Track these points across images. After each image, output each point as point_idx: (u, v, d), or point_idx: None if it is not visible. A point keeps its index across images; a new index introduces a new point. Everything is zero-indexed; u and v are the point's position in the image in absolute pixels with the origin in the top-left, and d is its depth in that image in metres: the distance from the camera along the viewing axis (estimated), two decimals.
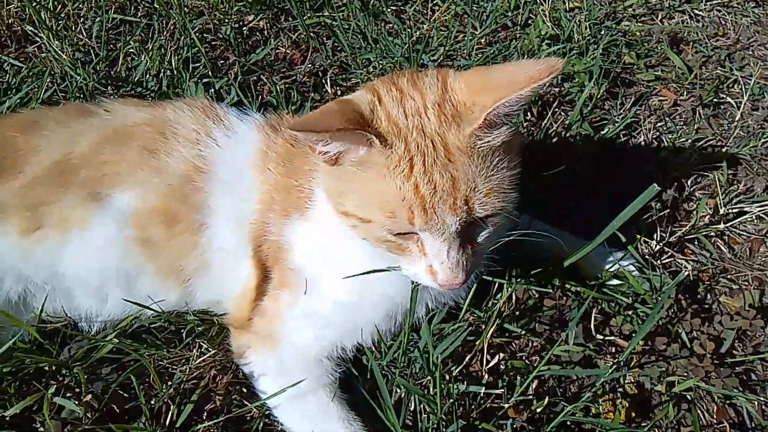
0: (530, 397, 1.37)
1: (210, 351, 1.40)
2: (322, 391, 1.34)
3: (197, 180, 1.40)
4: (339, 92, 2.08)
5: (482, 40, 2.25)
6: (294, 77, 2.14)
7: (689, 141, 2.00)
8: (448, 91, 1.15)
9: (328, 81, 2.10)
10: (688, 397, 1.44)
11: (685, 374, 1.44)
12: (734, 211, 1.83)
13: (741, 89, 2.18)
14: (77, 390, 1.30)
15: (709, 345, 1.47)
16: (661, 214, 1.77)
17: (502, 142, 1.13)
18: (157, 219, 1.38)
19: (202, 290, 1.44)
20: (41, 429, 1.26)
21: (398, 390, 1.38)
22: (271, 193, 1.41)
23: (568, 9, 2.40)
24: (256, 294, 1.42)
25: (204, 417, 1.35)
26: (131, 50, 2.11)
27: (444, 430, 1.23)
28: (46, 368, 1.32)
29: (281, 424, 1.34)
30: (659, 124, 2.08)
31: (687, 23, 2.47)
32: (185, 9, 2.23)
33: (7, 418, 1.24)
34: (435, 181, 1.09)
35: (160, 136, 1.43)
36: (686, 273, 1.59)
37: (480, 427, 1.29)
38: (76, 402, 1.26)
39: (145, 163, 1.40)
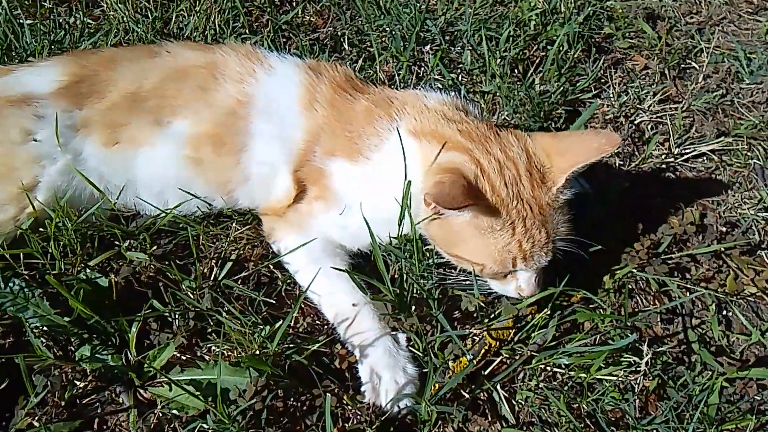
0: None
1: (244, 229, 1.77)
2: (336, 260, 1.69)
3: (241, 110, 1.73)
4: (355, 52, 2.44)
5: (480, 11, 2.61)
6: (317, 37, 2.52)
7: (652, 95, 2.33)
8: (531, 156, 1.55)
9: (346, 41, 2.47)
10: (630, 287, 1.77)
11: (625, 264, 1.77)
12: (687, 150, 2.16)
13: (706, 57, 2.51)
14: (143, 250, 1.68)
15: (645, 242, 1.80)
16: (618, 150, 2.11)
17: (566, 199, 1.57)
18: (207, 142, 1.73)
19: (243, 197, 1.80)
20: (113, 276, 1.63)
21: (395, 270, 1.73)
22: (318, 130, 1.73)
23: None
24: (294, 200, 1.76)
25: (239, 281, 1.71)
26: (182, 12, 2.50)
27: (424, 283, 1.58)
28: (119, 234, 1.69)
29: (300, 288, 1.70)
30: (630, 83, 2.41)
31: (664, 1, 2.79)
32: None
33: (90, 267, 1.62)
34: (534, 237, 1.50)
35: (210, 75, 1.77)
36: (626, 184, 1.90)
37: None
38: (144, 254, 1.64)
39: (199, 97, 1.74)
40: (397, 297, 1.57)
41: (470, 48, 2.41)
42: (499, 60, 2.34)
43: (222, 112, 1.74)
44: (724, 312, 1.78)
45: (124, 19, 2.43)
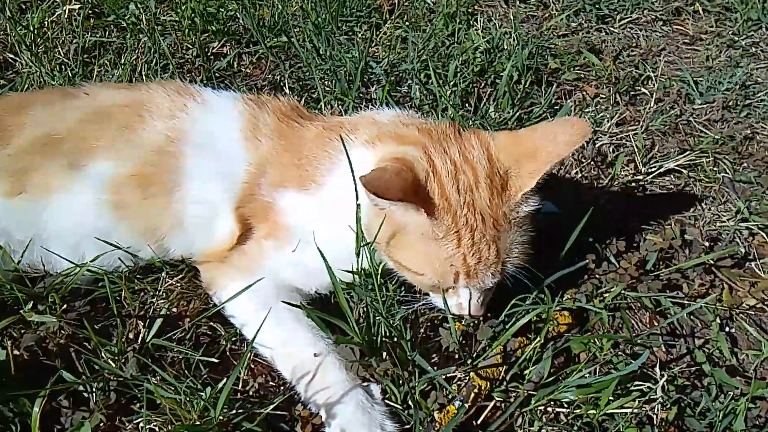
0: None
1: (178, 277, 1.50)
2: (291, 308, 1.43)
3: (171, 148, 1.53)
4: (297, 95, 2.29)
5: (423, 53, 2.53)
6: (256, 84, 2.36)
7: (609, 118, 2.26)
8: (494, 162, 1.36)
9: (287, 85, 2.32)
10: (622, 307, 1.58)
11: (614, 286, 1.59)
12: (654, 168, 2.06)
13: (654, 83, 2.48)
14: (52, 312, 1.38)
15: (633, 259, 1.63)
16: (585, 174, 1.98)
17: (527, 212, 1.37)
18: (132, 183, 1.50)
19: (177, 244, 1.55)
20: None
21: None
22: (263, 161, 1.54)
23: (498, 28, 2.73)
24: (237, 242, 1.54)
25: (174, 342, 1.43)
26: (105, 63, 2.31)
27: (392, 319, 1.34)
28: (21, 298, 1.39)
29: (249, 342, 1.42)
30: (585, 109, 2.34)
31: (604, 38, 2.80)
32: (156, 27, 2.47)
33: None
34: (481, 252, 1.31)
35: (135, 114, 1.57)
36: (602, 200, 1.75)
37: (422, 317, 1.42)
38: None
39: (122, 137, 1.54)
40: (365, 339, 1.32)
41: (418, 84, 2.29)
42: (449, 93, 2.23)
43: (149, 150, 1.53)
44: (726, 329, 1.60)
45: (39, 75, 2.21)
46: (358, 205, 1.33)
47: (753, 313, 1.64)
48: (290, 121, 1.61)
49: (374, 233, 1.33)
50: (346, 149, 1.35)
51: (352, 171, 1.33)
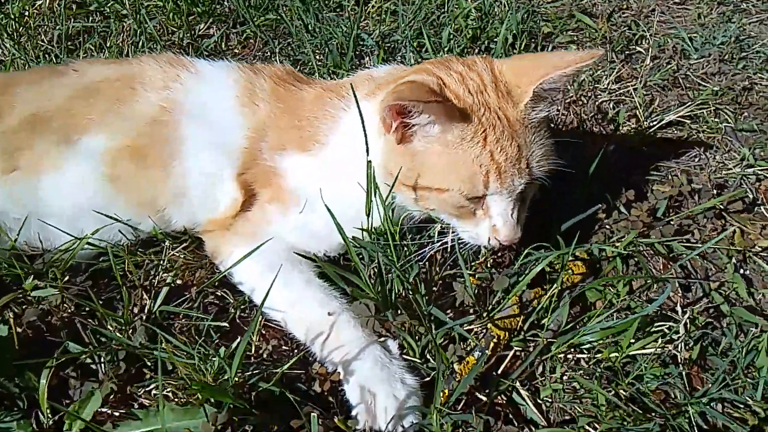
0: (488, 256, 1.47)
1: (180, 247, 1.46)
2: (300, 266, 1.40)
3: (167, 118, 1.49)
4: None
5: (413, 23, 2.49)
6: (246, 59, 2.32)
7: (607, 75, 2.23)
8: (497, 74, 1.34)
9: (278, 60, 2.28)
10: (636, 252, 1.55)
11: (626, 234, 1.56)
12: (655, 122, 2.03)
13: (648, 41, 2.46)
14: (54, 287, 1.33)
15: (644, 207, 1.60)
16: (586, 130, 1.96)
17: (544, 116, 1.34)
18: (127, 156, 1.46)
19: (179, 215, 1.51)
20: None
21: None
22: (262, 126, 1.51)
23: None
24: (241, 209, 1.49)
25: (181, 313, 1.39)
26: (90, 48, 2.26)
27: (406, 276, 1.30)
28: (22, 275, 1.35)
29: (259, 306, 1.38)
30: (584, 69, 2.31)
31: (594, 2, 2.78)
32: (142, 10, 2.41)
33: None
34: (506, 149, 1.26)
35: (127, 87, 1.53)
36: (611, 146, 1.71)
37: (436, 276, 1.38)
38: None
39: (115, 110, 1.49)
40: (379, 294, 1.28)
41: (412, 52, 2.26)
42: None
43: (144, 122, 1.49)
44: (741, 270, 1.58)
45: (23, 61, 2.16)
46: (369, 162, 1.29)
47: (766, 255, 1.62)
48: (287, 84, 1.58)
49: (395, 171, 1.30)
50: (356, 97, 1.31)
51: (363, 122, 1.29)
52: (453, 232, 1.40)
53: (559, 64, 1.28)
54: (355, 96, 1.34)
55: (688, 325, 1.32)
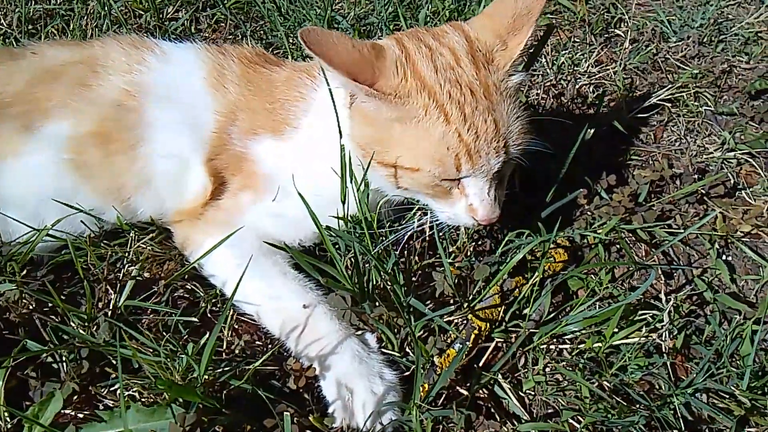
0: (467, 243, 1.43)
1: (147, 238, 1.39)
2: (275, 258, 1.34)
3: (131, 102, 1.42)
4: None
5: (389, 6, 2.43)
6: (215, 40, 2.23)
7: (586, 59, 2.20)
8: (473, 41, 1.25)
9: (249, 42, 2.20)
10: (617, 244, 1.52)
11: (608, 221, 1.53)
12: (635, 107, 2.00)
13: (627, 24, 2.43)
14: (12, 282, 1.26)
15: (626, 191, 1.57)
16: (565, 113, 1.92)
17: (519, 81, 1.26)
18: (92, 142, 1.39)
19: (145, 203, 1.44)
20: None
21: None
22: (232, 108, 1.45)
23: None
24: (211, 197, 1.43)
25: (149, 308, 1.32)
26: (53, 32, 2.15)
27: (383, 266, 1.25)
28: None
29: (229, 297, 1.32)
30: (562, 50, 2.27)
31: None
32: None
33: None
34: (477, 126, 1.18)
35: (90, 70, 1.45)
36: (591, 131, 1.66)
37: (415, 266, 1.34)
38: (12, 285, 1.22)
39: (77, 94, 1.42)
40: (356, 285, 1.23)
41: (389, 34, 2.19)
42: None
43: (108, 106, 1.41)
44: (724, 256, 1.56)
45: None
46: (342, 146, 1.24)
47: (748, 240, 1.60)
48: (257, 66, 1.51)
49: (363, 144, 1.24)
50: (325, 75, 1.24)
51: (333, 100, 1.23)
52: (430, 214, 1.34)
53: (530, 13, 1.24)
54: (324, 74, 1.27)
55: (672, 314, 1.29)
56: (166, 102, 1.44)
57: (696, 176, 1.73)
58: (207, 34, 2.34)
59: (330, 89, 1.24)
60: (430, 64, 1.20)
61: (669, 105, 2.01)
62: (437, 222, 1.32)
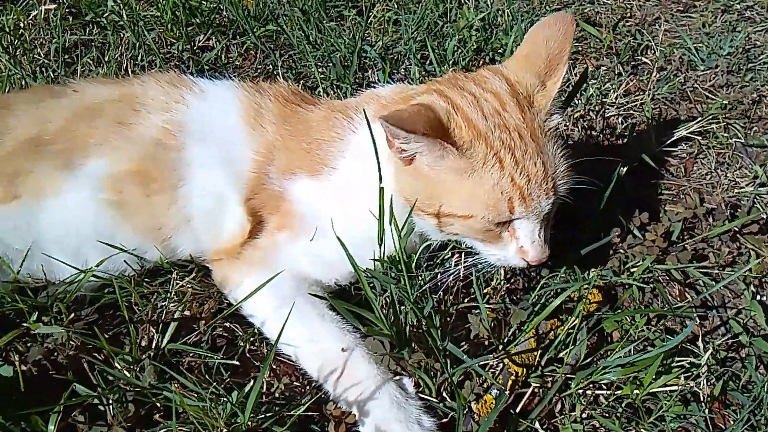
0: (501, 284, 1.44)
1: (189, 278, 1.42)
2: (313, 300, 1.35)
3: (171, 141, 1.45)
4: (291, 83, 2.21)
5: (416, 35, 2.45)
6: (248, 73, 2.27)
7: (615, 89, 2.20)
8: (513, 84, 1.30)
9: (280, 73, 2.23)
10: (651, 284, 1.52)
11: (641, 260, 1.53)
12: (664, 138, 2.01)
13: (654, 52, 2.43)
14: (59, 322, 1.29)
15: (659, 230, 1.57)
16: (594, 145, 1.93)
17: (557, 122, 1.31)
18: (132, 180, 1.42)
19: (185, 242, 1.47)
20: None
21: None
22: (270, 148, 1.48)
23: (490, 5, 2.65)
24: (249, 236, 1.46)
25: (190, 346, 1.35)
26: (89, 62, 2.20)
27: (420, 313, 1.27)
28: (25, 310, 1.30)
29: (271, 341, 1.35)
30: (591, 81, 2.28)
31: (598, 10, 2.74)
32: (140, 22, 2.36)
33: None
34: (528, 169, 1.22)
35: (128, 108, 1.49)
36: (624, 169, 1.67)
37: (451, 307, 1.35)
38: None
39: (117, 132, 1.45)
40: (394, 330, 1.25)
41: (417, 64, 2.22)
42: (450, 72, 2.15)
43: (148, 145, 1.45)
44: (758, 297, 1.56)
45: (19, 76, 2.10)
46: (381, 189, 1.26)
47: None
48: (293, 105, 1.54)
49: (410, 197, 1.27)
50: (368, 120, 1.26)
51: (375, 145, 1.25)
52: (474, 256, 1.36)
53: (562, 50, 1.30)
54: (367, 119, 1.30)
55: (709, 360, 1.30)
56: (204, 141, 1.47)
57: (728, 212, 1.73)
58: (237, 63, 2.38)
59: (372, 135, 1.26)
60: (478, 112, 1.24)
61: (699, 137, 2.01)
62: (483, 264, 1.34)
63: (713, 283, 1.53)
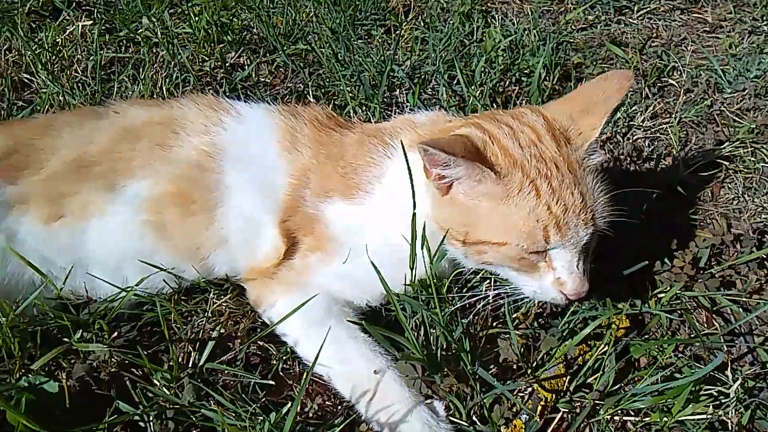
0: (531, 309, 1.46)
1: (225, 297, 1.47)
2: (346, 323, 1.39)
3: (210, 164, 1.49)
4: (321, 103, 2.25)
5: (443, 54, 2.48)
6: (278, 92, 2.32)
7: (642, 112, 2.21)
8: (550, 121, 1.34)
9: (310, 93, 2.28)
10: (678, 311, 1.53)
11: (669, 287, 1.55)
12: (693, 162, 2.02)
13: (681, 73, 2.44)
14: (100, 340, 1.34)
15: (687, 257, 1.59)
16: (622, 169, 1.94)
17: (600, 161, 1.35)
18: (171, 202, 1.46)
19: (221, 263, 1.51)
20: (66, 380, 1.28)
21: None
22: (305, 171, 1.51)
23: (516, 24, 2.69)
24: (283, 257, 1.49)
25: (225, 364, 1.38)
26: (125, 79, 2.27)
27: (450, 337, 1.29)
28: (69, 326, 1.35)
29: (303, 362, 1.39)
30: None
31: (624, 30, 2.76)
32: (174, 40, 2.42)
33: (33, 370, 1.27)
34: (565, 199, 1.24)
35: (168, 131, 1.53)
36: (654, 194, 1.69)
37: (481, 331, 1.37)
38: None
39: (157, 155, 1.49)
40: (426, 354, 1.28)
41: (444, 86, 2.25)
42: (478, 93, 2.19)
43: (187, 167, 1.49)
44: None
45: (59, 94, 2.17)
46: (414, 215, 1.29)
47: None
48: (328, 129, 1.58)
49: (444, 224, 1.31)
50: (404, 149, 1.31)
51: (410, 174, 1.29)
52: (510, 288, 1.38)
53: (611, 100, 1.33)
54: (403, 148, 1.33)
55: (738, 389, 1.30)
56: (242, 164, 1.51)
57: (756, 238, 1.74)
58: (267, 80, 2.43)
59: (408, 163, 1.29)
60: (515, 142, 1.27)
61: (726, 162, 2.02)
62: (517, 295, 1.36)
63: (741, 310, 1.54)
